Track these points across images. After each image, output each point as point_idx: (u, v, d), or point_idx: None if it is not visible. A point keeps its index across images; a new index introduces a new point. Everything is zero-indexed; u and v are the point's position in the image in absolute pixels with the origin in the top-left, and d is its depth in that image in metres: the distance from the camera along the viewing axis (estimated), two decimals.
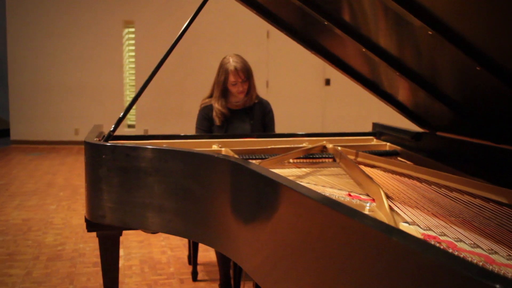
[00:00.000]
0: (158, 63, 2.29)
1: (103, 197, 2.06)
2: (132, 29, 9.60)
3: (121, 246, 4.10)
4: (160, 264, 3.71)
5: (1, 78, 10.88)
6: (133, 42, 9.61)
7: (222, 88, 3.16)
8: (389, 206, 1.58)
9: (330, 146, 2.66)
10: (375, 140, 2.98)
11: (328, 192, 1.87)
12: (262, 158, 2.46)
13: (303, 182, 2.03)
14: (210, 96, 3.28)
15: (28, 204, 5.35)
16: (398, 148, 2.67)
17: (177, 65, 9.30)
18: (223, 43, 9.35)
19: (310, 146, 2.61)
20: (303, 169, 2.40)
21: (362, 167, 2.26)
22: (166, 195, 1.93)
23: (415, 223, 1.47)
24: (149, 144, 2.61)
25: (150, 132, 9.59)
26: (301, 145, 2.79)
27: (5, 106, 10.10)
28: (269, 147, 2.63)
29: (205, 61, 9.37)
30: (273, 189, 1.46)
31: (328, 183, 2.05)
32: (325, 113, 9.48)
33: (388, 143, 2.80)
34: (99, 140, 2.24)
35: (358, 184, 2.01)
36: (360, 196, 1.82)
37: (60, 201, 5.49)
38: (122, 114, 2.22)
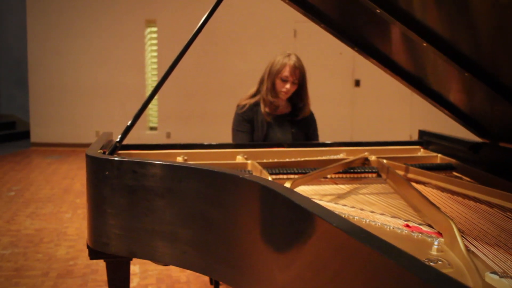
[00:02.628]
0: (171, 63, 1.95)
1: (107, 222, 1.73)
2: (155, 29, 9.33)
3: (137, 262, 3.81)
4: (178, 284, 3.38)
5: (21, 80, 10.72)
6: (155, 42, 9.33)
7: (273, 80, 2.83)
8: (465, 245, 1.21)
9: (373, 158, 2.30)
10: (422, 150, 2.61)
11: (380, 221, 1.51)
12: (294, 173, 2.11)
13: (347, 206, 1.68)
14: (253, 95, 2.94)
15: (43, 212, 5.07)
16: (452, 160, 2.29)
17: (200, 66, 9.01)
18: (247, 43, 9.02)
19: (349, 158, 2.25)
20: (342, 186, 2.04)
21: (414, 184, 1.90)
22: (180, 221, 1.59)
23: (507, 274, 1.10)
24: (163, 156, 2.30)
25: (173, 135, 9.31)
26: (338, 157, 2.43)
27: (26, 108, 9.93)
28: (302, 159, 2.28)
29: (229, 62, 9.06)
30: (313, 225, 1.11)
31: (376, 207, 1.69)
32: (355, 116, 9.08)
33: (439, 155, 2.43)
34: (104, 153, 1.91)
35: (414, 209, 1.65)
36: (421, 227, 1.45)
37: (76, 209, 5.20)
38: (130, 122, 1.88)
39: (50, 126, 9.57)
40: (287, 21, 8.89)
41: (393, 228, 1.44)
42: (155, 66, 9.33)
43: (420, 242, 1.33)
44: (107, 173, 1.70)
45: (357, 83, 9.06)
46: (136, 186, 1.65)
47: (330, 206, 1.68)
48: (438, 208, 1.45)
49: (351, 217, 1.54)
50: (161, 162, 1.61)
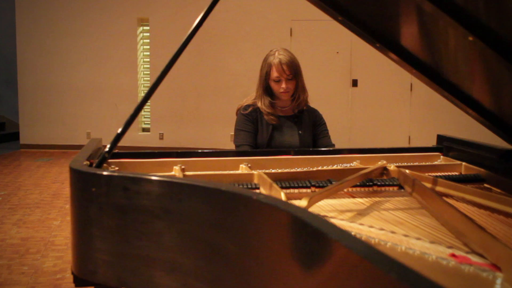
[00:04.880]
0: (166, 64, 1.71)
1: (94, 246, 1.49)
2: (147, 27, 9.08)
3: None
4: None
5: (10, 80, 10.44)
6: (147, 41, 9.08)
7: (264, 85, 2.69)
8: None
9: (392, 167, 2.06)
10: (442, 157, 2.38)
11: (417, 248, 1.27)
12: (307, 186, 1.88)
13: (374, 228, 1.44)
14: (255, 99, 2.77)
15: (30, 219, 4.81)
16: (481, 170, 2.06)
17: (194, 65, 8.77)
18: (243, 42, 8.78)
19: (368, 168, 2.01)
20: (360, 200, 1.81)
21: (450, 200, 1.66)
22: (180, 248, 1.35)
23: None
24: (158, 165, 2.06)
25: (166, 136, 9.07)
26: (352, 165, 2.20)
27: (15, 109, 9.66)
28: (314, 169, 2.04)
29: (223, 61, 8.82)
30: (353, 264, 0.87)
31: (407, 228, 1.45)
32: (352, 117, 8.86)
33: (463, 163, 2.19)
34: (91, 164, 1.67)
35: (452, 231, 1.41)
36: (470, 257, 1.22)
37: (65, 215, 4.95)
38: (121, 129, 1.64)
39: (40, 128, 9.31)
40: (283, 19, 8.66)
41: (436, 258, 1.20)
42: (147, 65, 9.08)
43: (474, 279, 1.10)
44: (93, 189, 1.45)
45: (355, 83, 8.83)
46: (128, 206, 1.40)
47: (355, 227, 1.45)
48: (488, 233, 1.21)
49: (382, 243, 1.31)
50: (157, 178, 1.37)
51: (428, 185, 1.84)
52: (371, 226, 1.45)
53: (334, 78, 8.79)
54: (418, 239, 1.35)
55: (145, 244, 1.40)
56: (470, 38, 1.26)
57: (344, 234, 0.89)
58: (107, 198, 1.43)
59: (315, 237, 0.96)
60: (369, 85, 8.78)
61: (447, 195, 1.81)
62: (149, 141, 9.11)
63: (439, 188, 1.83)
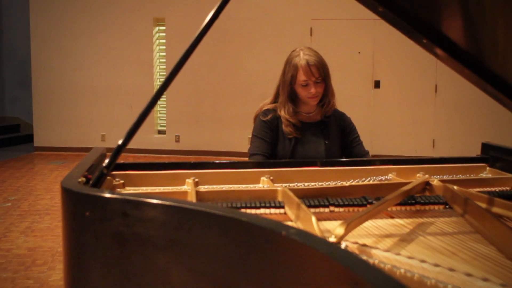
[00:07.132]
0: (172, 69, 1.48)
1: (89, 281, 1.24)
2: (163, 27, 8.88)
3: None
4: None
5: (25, 81, 10.32)
6: (164, 41, 8.88)
7: (289, 90, 2.40)
8: None
9: (435, 182, 1.80)
10: (488, 168, 2.11)
11: None
12: (338, 205, 1.62)
13: (427, 263, 1.18)
14: (274, 101, 2.50)
15: (39, 226, 4.61)
16: None
17: (211, 66, 8.55)
18: (261, 42, 8.55)
19: (409, 184, 1.74)
20: (400, 221, 1.55)
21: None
22: (191, 286, 1.11)
23: None
24: (168, 177, 1.82)
25: (182, 139, 8.86)
26: (387, 178, 1.95)
27: (30, 110, 9.53)
28: (346, 184, 1.78)
29: (241, 62, 8.59)
30: None
31: (469, 264, 1.19)
32: (374, 119, 8.56)
33: None
34: (88, 181, 1.43)
35: None
36: None
37: None
38: (122, 140, 1.39)
39: (55, 130, 9.16)
40: (303, 18, 8.40)
41: None
42: (163, 66, 8.89)
43: None
44: (87, 213, 1.21)
45: (377, 84, 8.55)
46: (128, 235, 1.16)
47: (403, 262, 1.18)
48: None
49: (441, 286, 1.05)
50: (162, 202, 1.12)
51: (482, 204, 1.57)
52: (423, 261, 1.19)
53: (356, 79, 8.51)
54: (485, 280, 1.08)
55: (148, 281, 1.15)
56: None
57: None
58: (103, 224, 1.19)
59: None
60: (392, 87, 8.49)
61: (502, 216, 1.55)
62: (165, 143, 8.91)
63: (496, 209, 1.56)
